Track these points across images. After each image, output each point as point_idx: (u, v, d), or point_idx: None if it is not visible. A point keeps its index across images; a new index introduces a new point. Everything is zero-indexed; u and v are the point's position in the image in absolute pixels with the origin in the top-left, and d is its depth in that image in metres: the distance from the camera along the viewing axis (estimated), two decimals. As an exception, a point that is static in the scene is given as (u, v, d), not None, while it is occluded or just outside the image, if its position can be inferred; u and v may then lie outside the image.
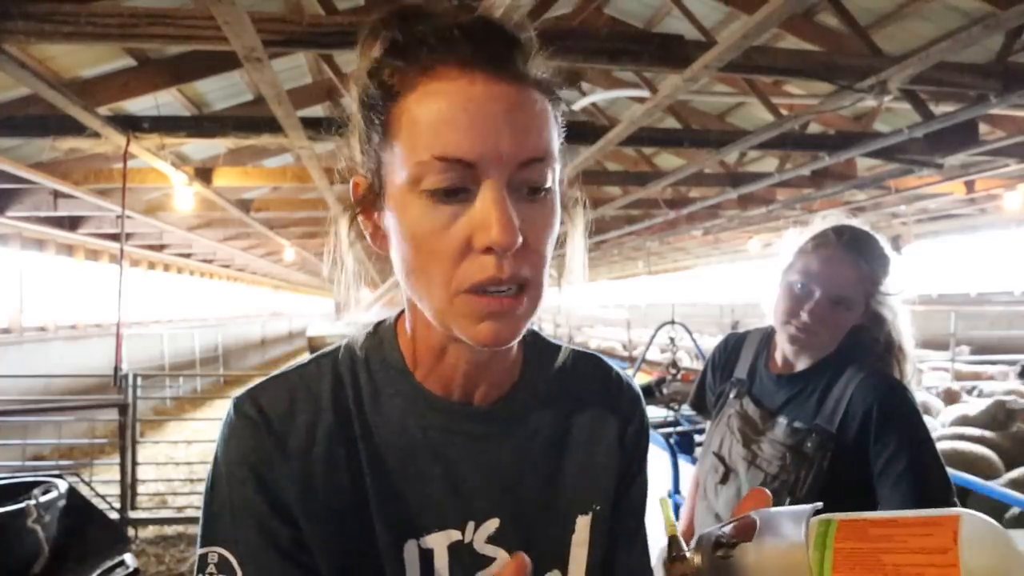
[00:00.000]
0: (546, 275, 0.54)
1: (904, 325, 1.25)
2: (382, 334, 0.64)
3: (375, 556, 0.57)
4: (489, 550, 0.60)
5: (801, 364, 1.27)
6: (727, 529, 0.42)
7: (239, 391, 0.60)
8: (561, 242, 0.61)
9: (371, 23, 0.55)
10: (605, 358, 0.74)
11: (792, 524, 0.40)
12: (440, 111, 0.49)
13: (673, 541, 0.44)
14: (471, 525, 0.59)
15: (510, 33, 0.52)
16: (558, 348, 0.69)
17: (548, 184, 0.52)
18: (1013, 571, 0.33)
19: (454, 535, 0.59)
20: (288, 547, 0.54)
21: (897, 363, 1.24)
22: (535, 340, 0.69)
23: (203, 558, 0.54)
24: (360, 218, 0.58)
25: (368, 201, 0.56)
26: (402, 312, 0.64)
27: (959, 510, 0.36)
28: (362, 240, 0.59)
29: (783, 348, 1.30)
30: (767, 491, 0.47)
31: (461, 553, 0.59)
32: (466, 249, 0.50)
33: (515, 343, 0.54)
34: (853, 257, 1.18)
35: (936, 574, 0.33)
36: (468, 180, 0.49)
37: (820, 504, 0.42)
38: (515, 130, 0.49)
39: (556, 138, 0.54)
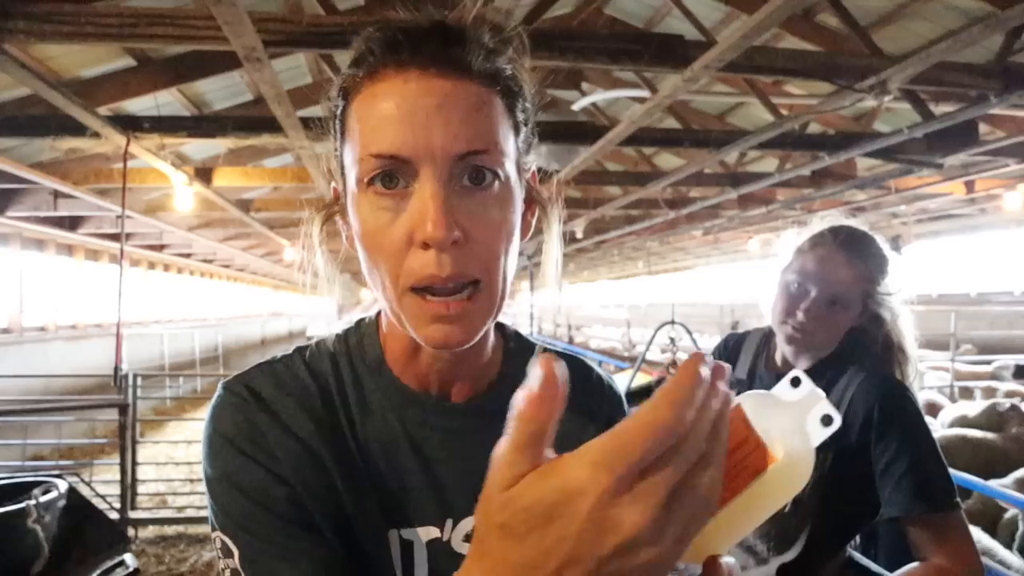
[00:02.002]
0: (504, 273, 0.53)
1: (905, 326, 1.25)
2: (363, 330, 0.65)
3: (361, 541, 0.57)
4: (466, 549, 0.60)
5: (801, 364, 1.27)
6: None
7: (226, 380, 0.61)
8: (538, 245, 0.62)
9: (362, 35, 0.56)
10: (585, 356, 0.74)
11: None
12: (375, 110, 0.51)
13: None
14: (449, 523, 0.60)
15: (453, 30, 0.52)
16: (536, 347, 0.69)
17: (494, 177, 0.51)
18: (792, 417, 0.41)
19: (433, 532, 0.59)
20: (286, 509, 0.54)
21: (898, 364, 1.24)
22: (516, 340, 0.68)
23: (215, 542, 0.55)
24: (339, 221, 0.60)
25: (342, 205, 0.58)
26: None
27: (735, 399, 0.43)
28: (330, 241, 0.61)
29: (782, 348, 1.30)
30: None
31: (440, 552, 0.59)
32: (408, 245, 0.50)
33: (475, 342, 0.54)
34: (849, 256, 1.18)
35: (755, 458, 0.40)
36: (408, 175, 0.50)
37: None
38: (450, 123, 0.49)
39: (507, 130, 0.53)
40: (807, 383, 0.42)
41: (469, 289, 0.51)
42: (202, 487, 0.58)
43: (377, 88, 0.51)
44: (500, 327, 0.68)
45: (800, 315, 1.18)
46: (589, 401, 0.68)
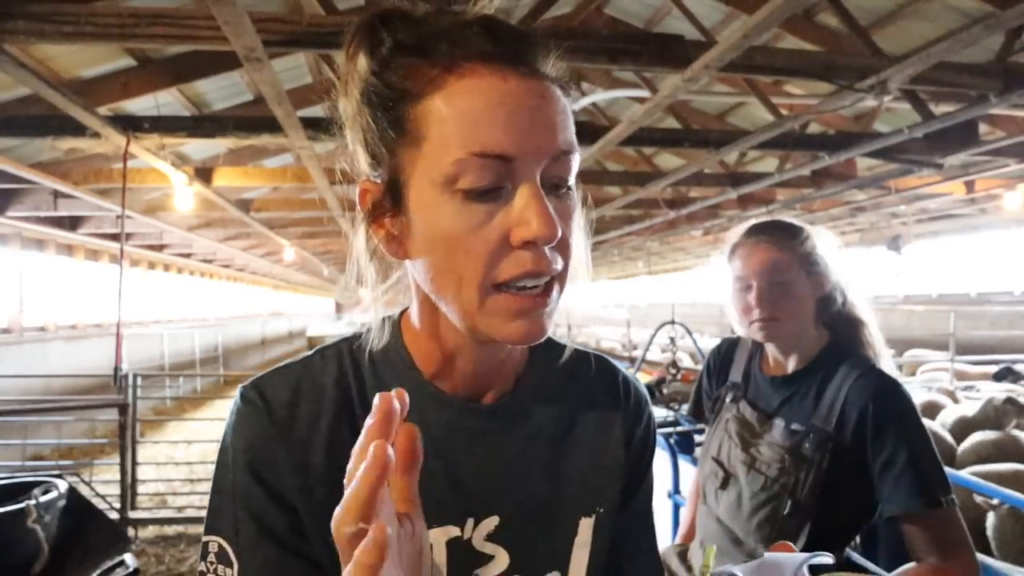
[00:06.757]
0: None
1: (853, 293, 1.30)
2: (387, 330, 0.64)
3: None
4: (488, 548, 0.59)
5: (792, 364, 1.28)
6: None
7: (244, 384, 0.60)
8: None
9: (359, 24, 0.54)
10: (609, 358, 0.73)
11: None
12: (475, 108, 0.48)
13: None
14: (470, 522, 0.59)
15: (523, 30, 0.53)
16: (564, 347, 0.68)
17: (573, 178, 0.53)
18: None
19: (453, 531, 0.59)
20: (286, 536, 0.54)
21: (869, 344, 1.27)
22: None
23: (205, 545, 0.55)
24: (372, 227, 0.57)
25: (381, 208, 0.55)
26: (406, 309, 0.64)
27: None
28: (377, 249, 0.58)
29: (769, 349, 1.33)
30: (791, 544, 0.47)
31: (460, 550, 0.59)
32: (502, 246, 0.49)
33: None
34: (764, 237, 1.26)
35: None
36: (505, 176, 0.49)
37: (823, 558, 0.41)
38: (547, 124, 0.50)
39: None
40: None
41: (544, 284, 0.52)
42: (202, 487, 0.58)
43: (468, 84, 0.49)
44: None
45: (756, 309, 1.23)
46: (615, 398, 0.69)
